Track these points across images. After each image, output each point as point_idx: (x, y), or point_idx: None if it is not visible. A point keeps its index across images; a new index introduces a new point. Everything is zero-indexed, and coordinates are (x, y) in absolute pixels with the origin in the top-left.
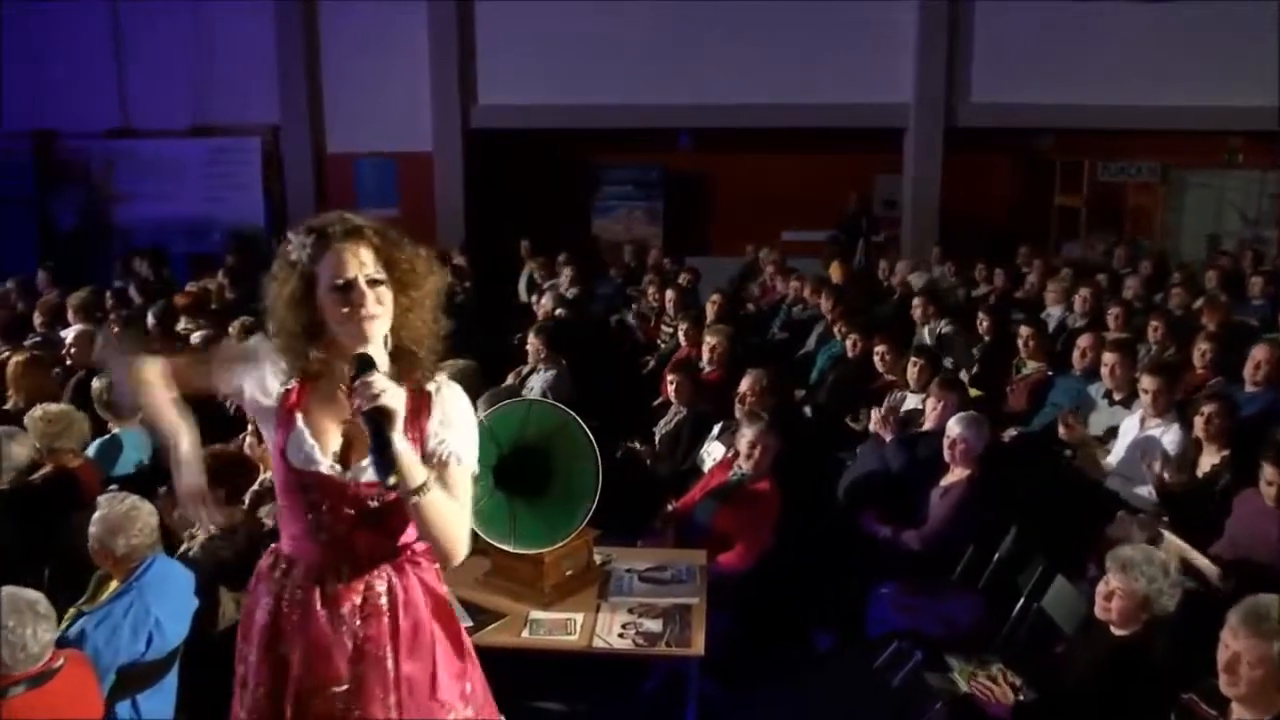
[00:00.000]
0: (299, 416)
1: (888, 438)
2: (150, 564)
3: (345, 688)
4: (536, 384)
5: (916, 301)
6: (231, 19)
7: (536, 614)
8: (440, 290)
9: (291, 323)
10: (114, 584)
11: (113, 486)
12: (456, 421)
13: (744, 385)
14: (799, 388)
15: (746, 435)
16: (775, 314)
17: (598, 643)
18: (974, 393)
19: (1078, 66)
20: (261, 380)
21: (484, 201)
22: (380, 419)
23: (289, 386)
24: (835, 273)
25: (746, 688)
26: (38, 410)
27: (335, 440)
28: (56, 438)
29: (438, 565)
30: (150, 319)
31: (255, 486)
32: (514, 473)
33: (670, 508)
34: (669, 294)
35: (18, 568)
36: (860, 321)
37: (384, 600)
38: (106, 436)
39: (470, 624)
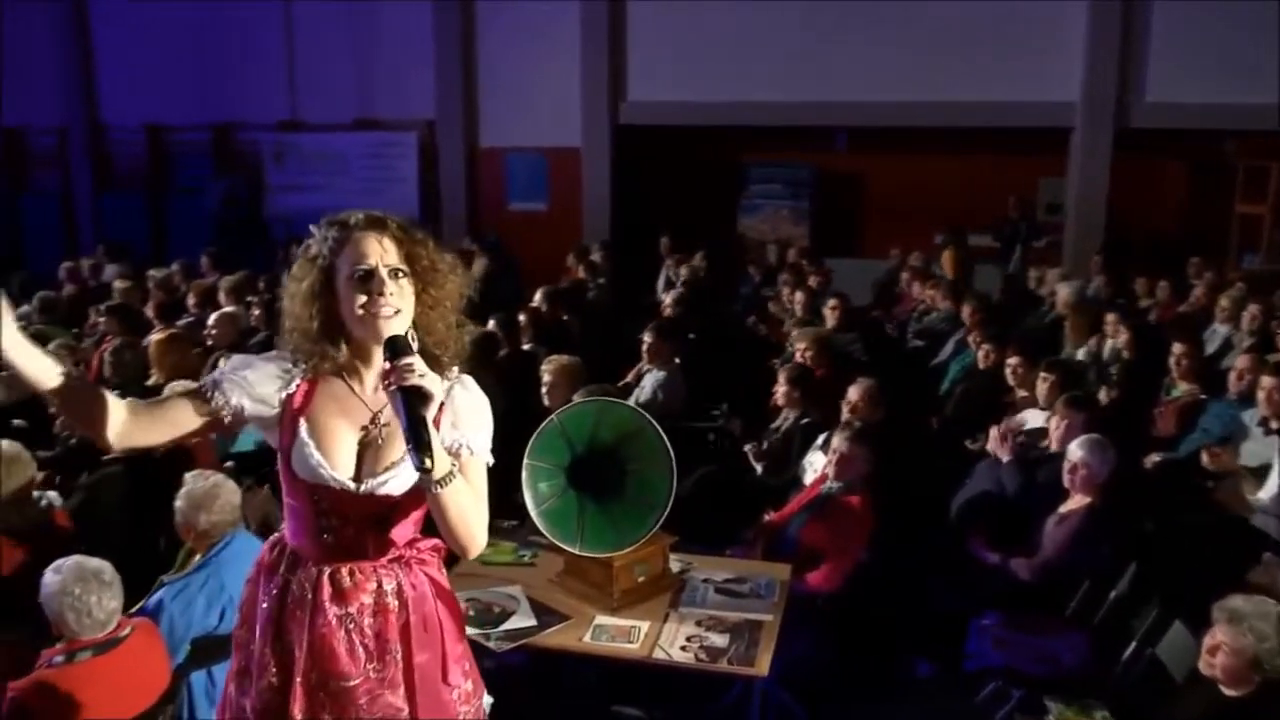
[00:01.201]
0: (303, 424)
1: (1004, 458)
2: (229, 541)
3: (355, 682)
4: (648, 383)
5: (1110, 318)
6: (393, 19)
7: (602, 619)
8: (463, 293)
9: (307, 319)
10: (196, 558)
11: (229, 464)
12: (468, 416)
13: (852, 394)
14: (929, 399)
15: (835, 445)
16: (908, 322)
17: (658, 653)
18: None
19: (1264, 64)
20: (253, 391)
21: (631, 198)
22: (417, 399)
23: (291, 390)
24: (946, 262)
25: (832, 711)
26: (167, 387)
27: (346, 447)
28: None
29: (440, 559)
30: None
31: None
32: (587, 473)
33: (767, 519)
34: (797, 296)
35: (134, 538)
36: (994, 331)
37: (392, 599)
38: None
39: (534, 624)
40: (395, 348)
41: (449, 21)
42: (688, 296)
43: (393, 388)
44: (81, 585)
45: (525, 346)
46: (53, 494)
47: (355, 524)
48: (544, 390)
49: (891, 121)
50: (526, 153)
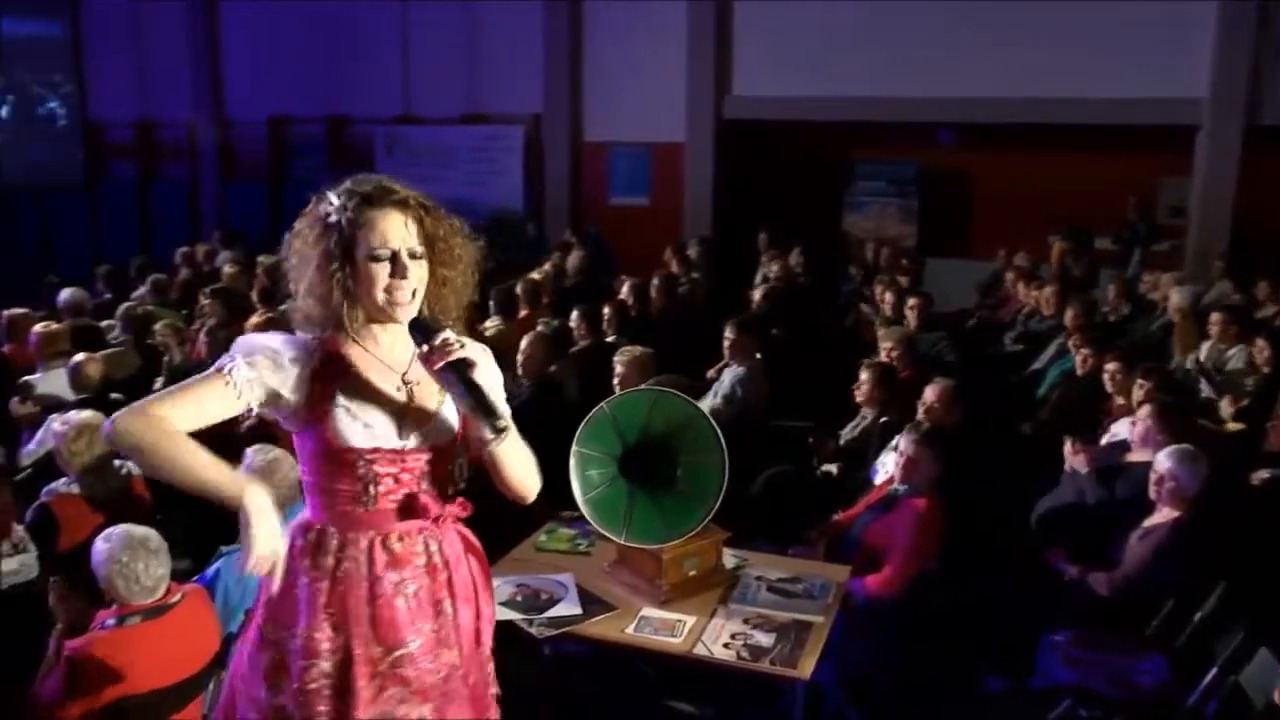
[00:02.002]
0: (339, 394)
1: (1081, 469)
2: (288, 514)
3: (417, 645)
4: (727, 378)
5: (1215, 318)
6: (503, 17)
7: (649, 611)
8: (474, 265)
9: (323, 287)
10: None
11: None
12: (487, 370)
13: (928, 394)
14: (1025, 405)
15: (902, 447)
16: (1011, 324)
17: (699, 649)
18: (1234, 426)
19: None
20: (272, 378)
21: (733, 193)
22: (466, 370)
23: (314, 365)
24: (1055, 253)
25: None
26: None
27: (387, 408)
28: None
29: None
30: None
31: None
32: (639, 463)
33: (836, 519)
34: (887, 296)
35: (206, 509)
36: (1094, 335)
37: (438, 558)
38: None
39: (579, 612)
40: (425, 328)
41: (557, 18)
42: (775, 293)
43: (438, 367)
44: (129, 553)
45: (609, 339)
46: (133, 464)
47: (402, 484)
48: (615, 381)
49: (1003, 118)
50: (630, 147)
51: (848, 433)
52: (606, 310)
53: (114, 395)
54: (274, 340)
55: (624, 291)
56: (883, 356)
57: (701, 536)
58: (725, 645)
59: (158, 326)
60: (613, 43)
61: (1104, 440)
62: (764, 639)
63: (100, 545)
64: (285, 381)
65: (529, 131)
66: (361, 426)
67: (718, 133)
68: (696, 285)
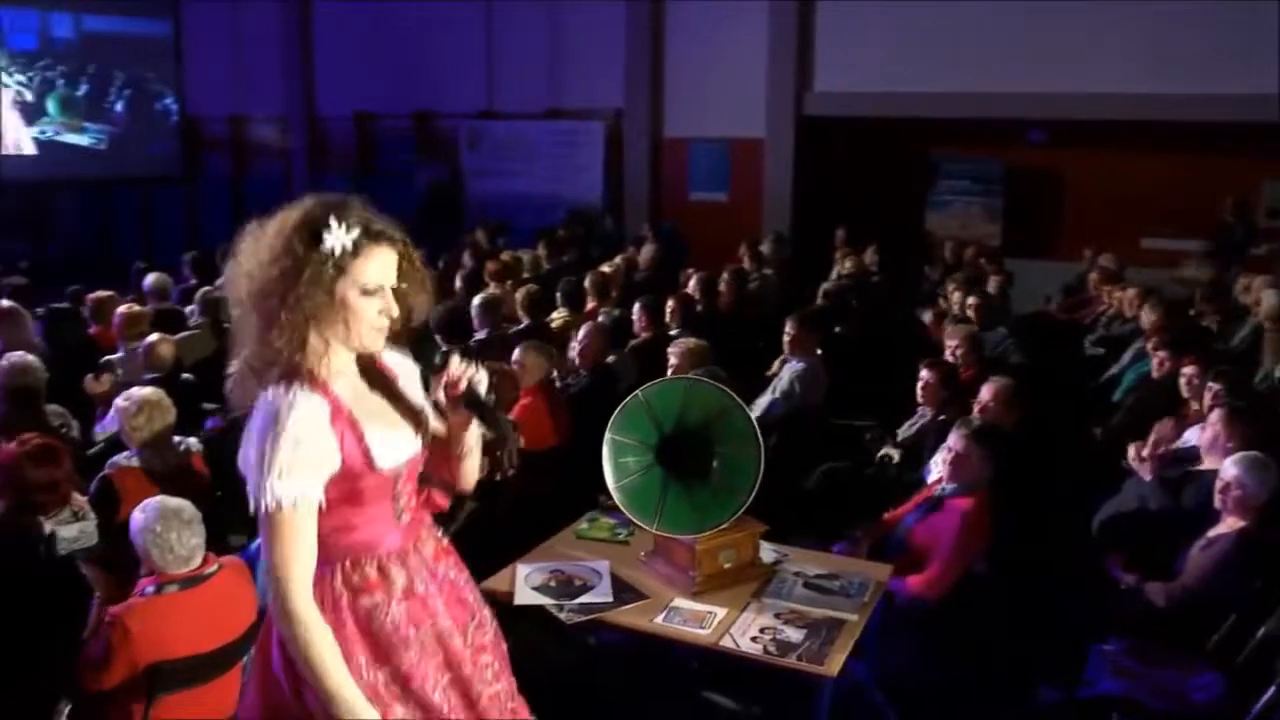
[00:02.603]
0: (360, 423)
1: (1146, 475)
2: None
3: (478, 618)
4: (786, 373)
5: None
6: (585, 12)
7: (680, 602)
8: (425, 308)
9: (311, 308)
10: None
11: None
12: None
13: (985, 393)
14: (1100, 409)
15: (950, 444)
16: (1091, 327)
17: (726, 641)
18: None
19: None
20: (319, 470)
21: (813, 189)
22: (478, 393)
23: (324, 414)
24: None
25: None
26: None
27: (391, 420)
28: None
29: None
30: (458, 281)
31: None
32: (675, 453)
33: (883, 518)
34: (955, 295)
35: None
36: (1172, 337)
37: (441, 538)
38: None
39: (610, 600)
40: (441, 358)
41: (639, 15)
42: (841, 289)
43: (458, 396)
44: (163, 523)
45: (671, 332)
46: (193, 440)
47: (414, 493)
48: (669, 371)
49: (1094, 115)
50: (710, 143)
51: (904, 431)
52: (670, 303)
53: (185, 375)
54: (306, 442)
55: (690, 285)
56: (947, 354)
57: (737, 529)
58: (753, 639)
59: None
60: (694, 39)
61: (1175, 446)
62: (794, 634)
63: (136, 515)
64: (330, 449)
65: (609, 127)
66: (396, 447)
67: (798, 129)
68: (768, 281)
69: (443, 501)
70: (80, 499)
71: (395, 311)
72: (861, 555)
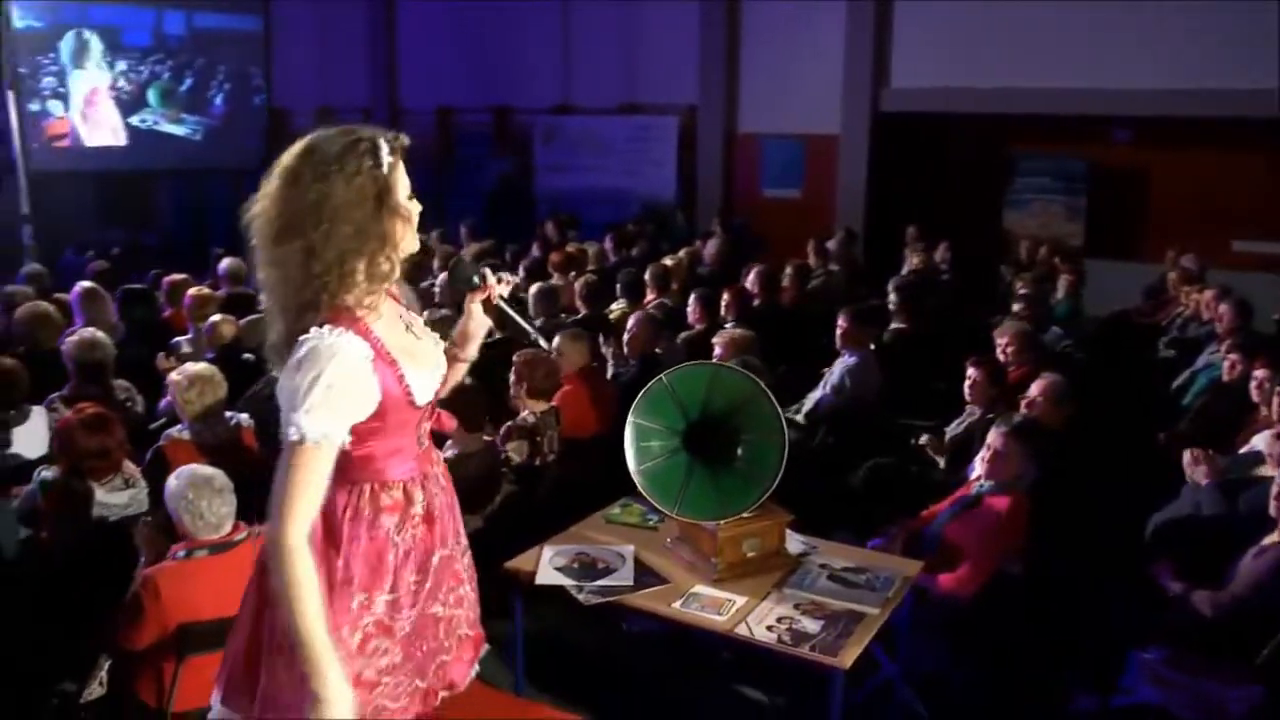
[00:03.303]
0: (399, 362)
1: (1200, 481)
2: None
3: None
4: (837, 368)
5: None
6: (661, 8)
7: (700, 589)
8: None
9: (375, 231)
10: None
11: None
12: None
13: (1033, 389)
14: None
15: (989, 439)
16: (1167, 330)
17: (741, 629)
18: None
19: None
20: (356, 406)
21: (887, 186)
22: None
23: (366, 357)
24: None
25: None
26: None
27: (424, 356)
28: None
29: None
30: (521, 271)
31: (513, 423)
32: (701, 440)
33: (921, 514)
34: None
35: None
36: (1245, 339)
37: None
38: None
39: (629, 583)
40: (480, 276)
41: (715, 10)
42: (904, 286)
43: (497, 302)
44: (194, 491)
45: (727, 324)
46: (244, 415)
47: (430, 418)
48: (713, 360)
49: (1182, 111)
50: (784, 139)
51: (953, 429)
52: (725, 296)
53: (246, 355)
54: (344, 381)
55: (749, 279)
56: (998, 352)
57: (763, 518)
58: (769, 628)
59: None
60: (769, 34)
61: (1243, 451)
62: (811, 625)
63: (171, 483)
64: (366, 394)
65: (684, 122)
66: (427, 380)
67: (874, 125)
68: (833, 278)
69: (449, 422)
70: (131, 467)
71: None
72: (895, 551)
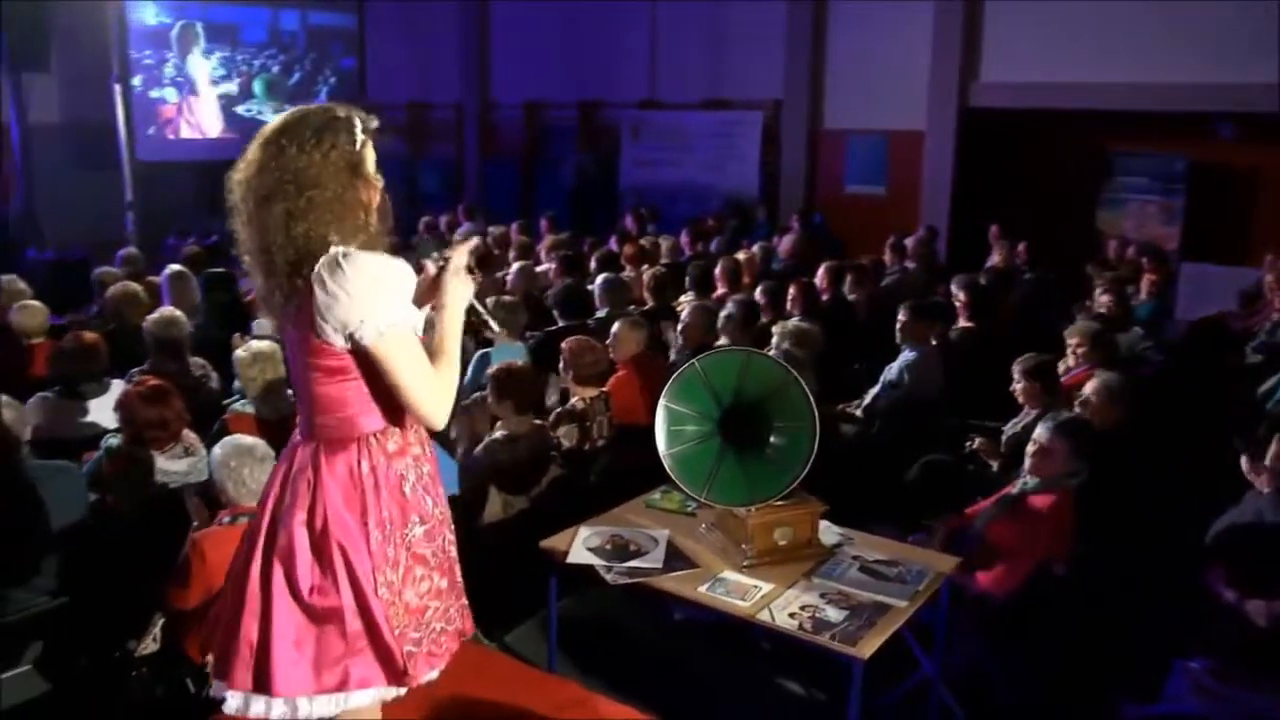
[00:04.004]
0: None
1: (1263, 488)
2: None
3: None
4: (896, 363)
5: None
6: (747, 4)
7: (728, 574)
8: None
9: (349, 198)
10: None
11: (476, 394)
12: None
13: (1087, 388)
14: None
15: (1035, 436)
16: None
17: (763, 615)
18: None
19: None
20: (409, 301)
21: (974, 183)
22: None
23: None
24: None
25: None
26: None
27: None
28: None
29: None
30: (593, 263)
31: (563, 408)
32: (736, 425)
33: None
34: (1104, 298)
35: None
36: None
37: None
38: (487, 349)
39: (658, 566)
40: (439, 252)
41: (801, 6)
42: (973, 284)
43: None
44: (237, 459)
45: (793, 318)
46: None
47: None
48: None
49: None
50: (868, 135)
51: (1009, 429)
52: (791, 290)
53: None
54: (390, 278)
55: (819, 274)
56: (1068, 352)
57: (795, 506)
58: (790, 615)
59: None
60: (855, 28)
61: None
62: (834, 614)
63: (215, 452)
64: (408, 278)
65: (768, 117)
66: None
67: (961, 121)
68: (907, 276)
69: None
70: (192, 436)
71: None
72: (935, 547)
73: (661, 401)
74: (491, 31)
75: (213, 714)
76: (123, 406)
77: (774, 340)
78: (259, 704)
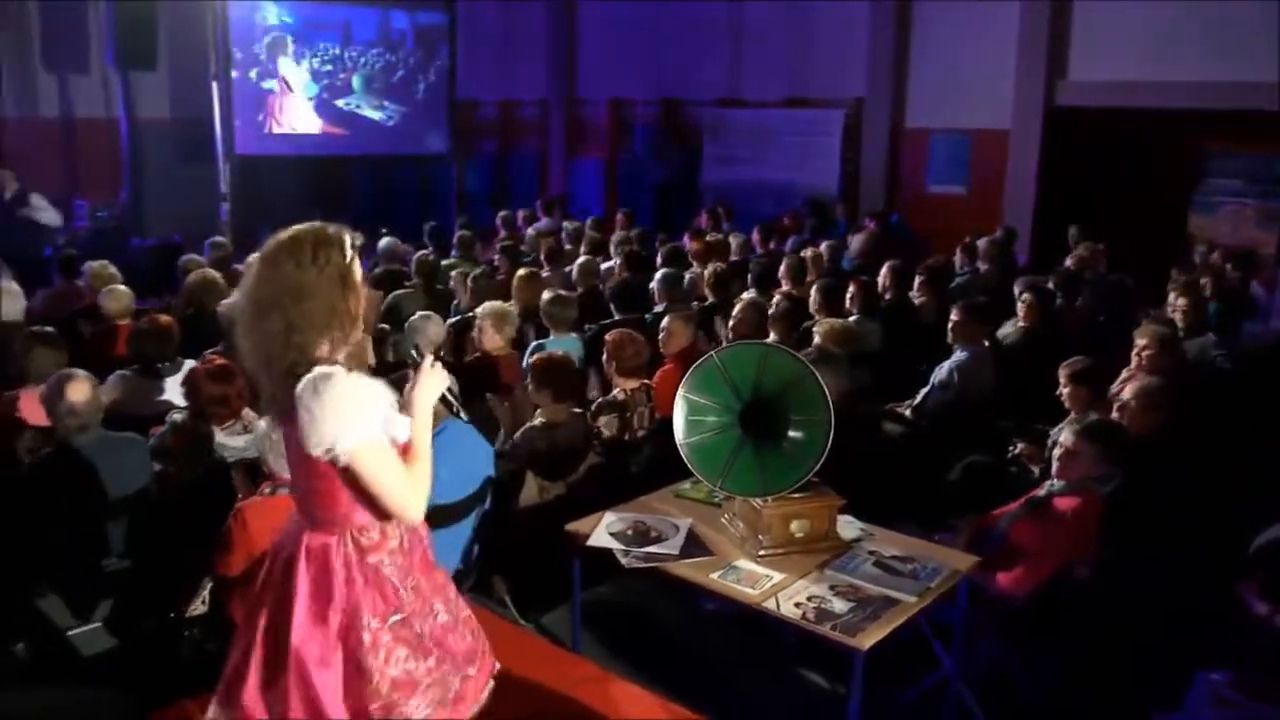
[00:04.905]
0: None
1: None
2: (445, 427)
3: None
4: (947, 363)
5: None
6: (831, 2)
7: (742, 563)
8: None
9: (340, 308)
10: None
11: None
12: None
13: (1126, 392)
14: None
15: (1062, 439)
16: None
17: (769, 603)
18: None
19: None
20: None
21: (1059, 183)
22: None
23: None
24: None
25: None
26: (491, 306)
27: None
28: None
29: None
30: (659, 259)
31: (604, 399)
32: (756, 418)
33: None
34: (1180, 302)
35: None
36: None
37: None
38: (542, 340)
39: (675, 553)
40: (419, 352)
41: (885, 3)
42: (1033, 285)
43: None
44: (277, 433)
45: (852, 316)
46: None
47: None
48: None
49: None
50: (951, 134)
51: (1055, 433)
52: (851, 289)
53: (381, 326)
54: (368, 394)
55: (881, 273)
56: (1133, 356)
57: (813, 499)
58: (796, 605)
59: (453, 274)
60: (940, 25)
61: None
62: (840, 606)
63: (259, 425)
64: (379, 397)
65: (849, 115)
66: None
67: (1047, 119)
68: (978, 277)
69: None
70: (251, 414)
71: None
72: (959, 546)
73: (680, 391)
74: (578, 29)
75: None
76: (189, 383)
77: (815, 339)
78: None
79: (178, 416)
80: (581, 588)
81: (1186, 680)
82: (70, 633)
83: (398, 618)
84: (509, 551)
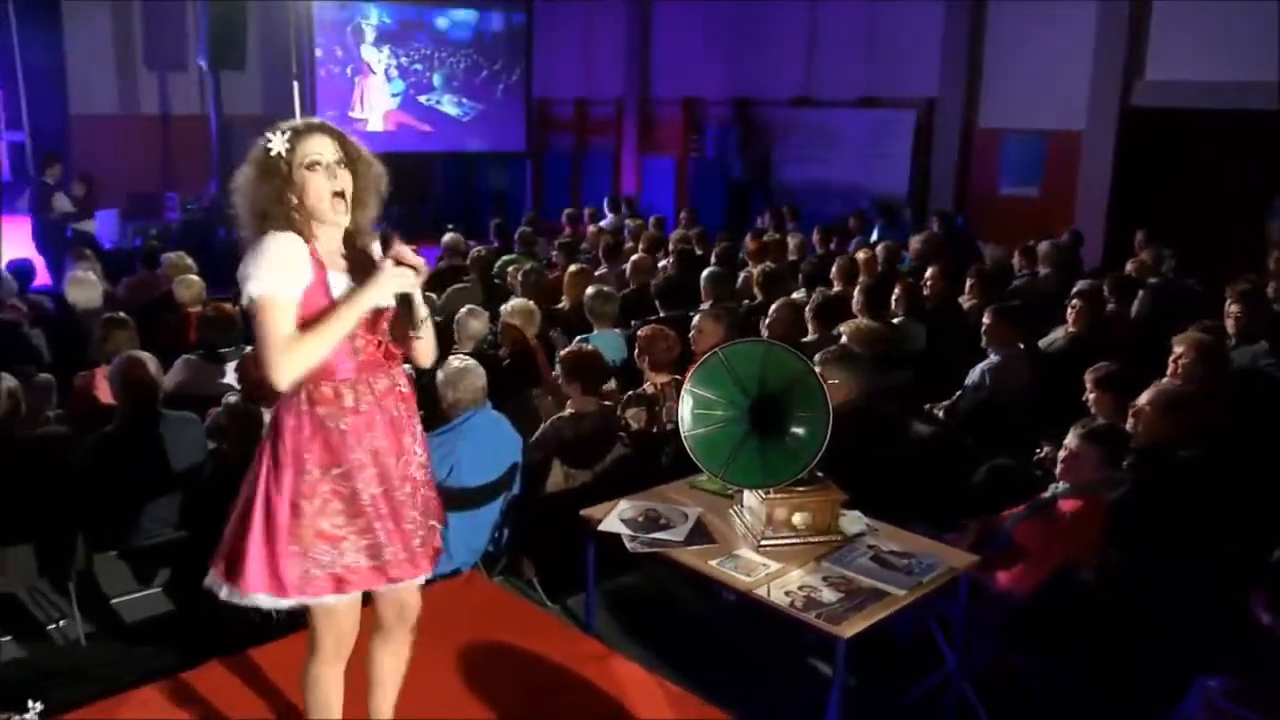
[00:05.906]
0: (329, 271)
1: None
2: (470, 416)
3: (408, 456)
4: (980, 365)
5: None
6: (905, 1)
7: (742, 552)
8: (380, 176)
9: (269, 197)
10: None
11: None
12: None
13: (1142, 398)
14: None
15: (1066, 441)
16: None
17: (760, 590)
18: None
19: None
20: (294, 277)
21: (1134, 186)
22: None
23: (300, 245)
24: None
25: None
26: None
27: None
28: (525, 325)
29: None
30: (712, 258)
31: (634, 392)
32: (762, 414)
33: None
34: (1234, 309)
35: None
36: None
37: (401, 385)
38: (586, 335)
39: (679, 540)
40: (384, 238)
41: (959, 3)
42: (1084, 290)
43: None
44: None
45: (895, 318)
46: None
47: (373, 341)
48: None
49: None
50: (1024, 135)
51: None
52: (896, 290)
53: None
54: (274, 255)
55: (928, 274)
56: (1170, 364)
57: (815, 493)
58: (786, 593)
59: (509, 269)
60: (1014, 25)
61: None
62: (828, 596)
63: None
64: (298, 263)
65: (921, 116)
66: (345, 290)
67: (1122, 121)
68: (1037, 281)
69: (397, 351)
70: None
71: (340, 179)
72: (964, 546)
73: (685, 385)
74: (653, 29)
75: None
76: (241, 367)
77: (842, 339)
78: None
79: (232, 398)
80: (609, 576)
81: (1186, 687)
82: (129, 596)
83: (338, 470)
84: (536, 535)
